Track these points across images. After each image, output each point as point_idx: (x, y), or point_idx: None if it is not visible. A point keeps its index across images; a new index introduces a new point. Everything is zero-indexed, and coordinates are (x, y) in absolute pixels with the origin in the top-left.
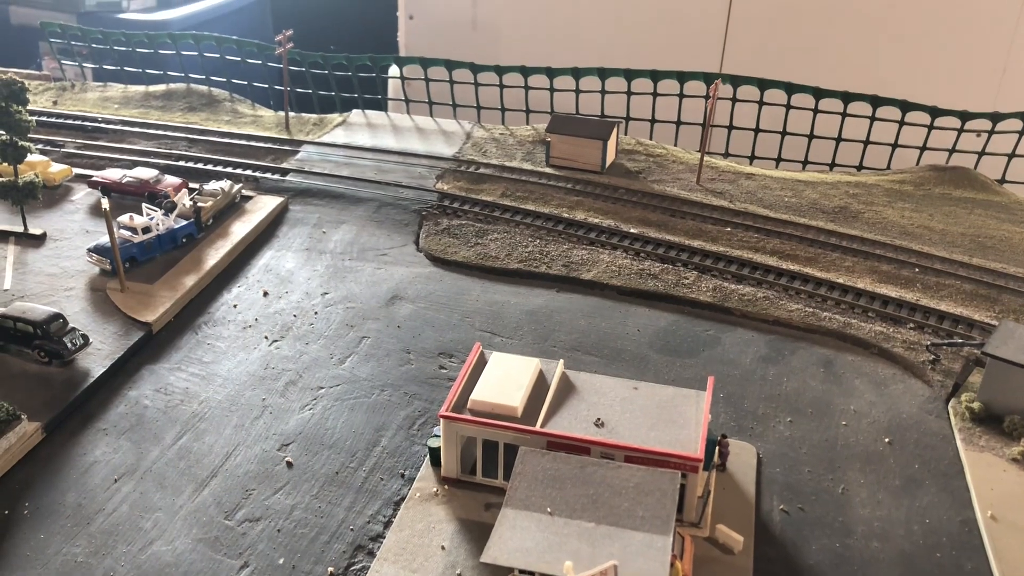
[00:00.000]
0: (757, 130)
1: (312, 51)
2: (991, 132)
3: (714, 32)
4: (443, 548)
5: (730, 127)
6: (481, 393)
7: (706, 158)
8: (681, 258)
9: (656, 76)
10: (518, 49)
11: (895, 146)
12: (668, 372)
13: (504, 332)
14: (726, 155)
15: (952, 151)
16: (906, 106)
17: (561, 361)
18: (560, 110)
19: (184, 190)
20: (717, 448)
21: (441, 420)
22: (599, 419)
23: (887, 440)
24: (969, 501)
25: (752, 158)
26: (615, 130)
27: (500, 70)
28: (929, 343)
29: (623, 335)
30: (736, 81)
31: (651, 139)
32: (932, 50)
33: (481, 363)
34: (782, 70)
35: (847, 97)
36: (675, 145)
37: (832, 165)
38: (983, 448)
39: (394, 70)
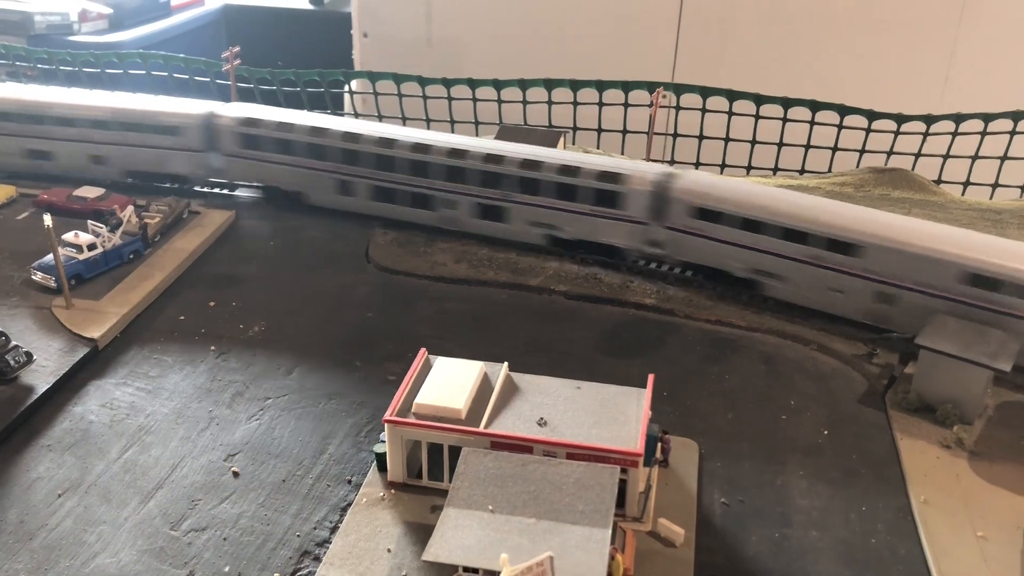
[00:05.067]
0: (701, 137)
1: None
2: (925, 134)
3: (665, 43)
4: (389, 551)
5: (675, 135)
6: (425, 397)
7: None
8: (626, 263)
9: (601, 86)
10: (474, 64)
11: (835, 149)
12: (614, 372)
13: (453, 338)
14: (672, 162)
15: (890, 153)
16: (844, 110)
17: (505, 364)
18: (509, 121)
19: (130, 207)
20: (659, 444)
21: (386, 425)
22: (542, 418)
23: (826, 432)
24: (904, 488)
25: (697, 164)
26: (561, 139)
27: (447, 83)
28: (867, 337)
29: (570, 338)
30: (679, 89)
31: (598, 148)
32: (877, 57)
33: (426, 368)
34: (726, 77)
35: (787, 103)
36: (622, 153)
37: (775, 170)
38: (917, 436)
39: (354, 84)
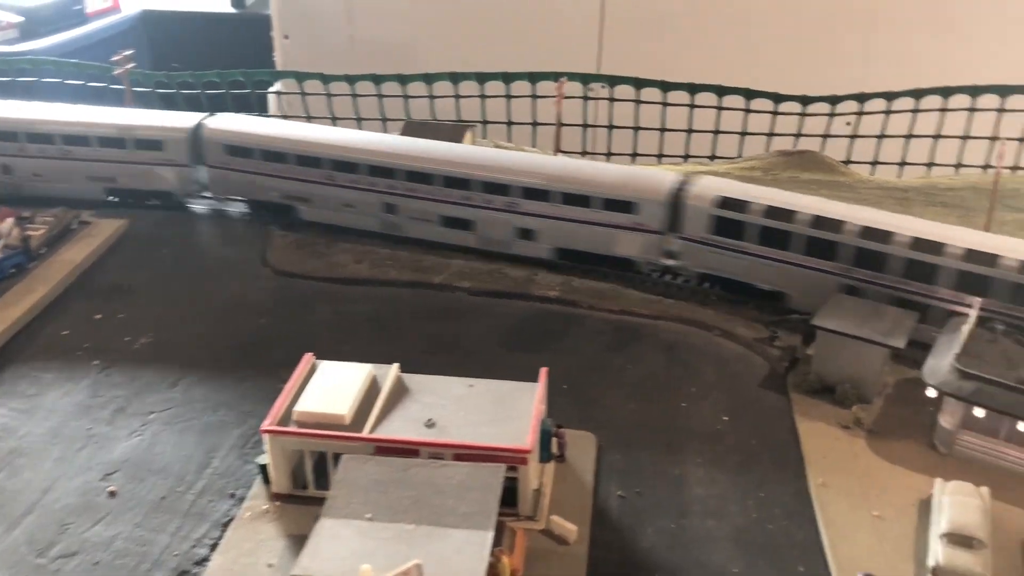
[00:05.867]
0: (611, 127)
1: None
2: (831, 115)
3: (588, 33)
4: (270, 566)
5: (584, 125)
6: (307, 403)
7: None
8: (531, 256)
9: (508, 78)
10: (398, 62)
11: (743, 134)
12: (516, 367)
13: (352, 341)
14: (583, 153)
15: (798, 135)
16: (750, 94)
17: (395, 365)
18: (418, 117)
19: (11, 219)
20: (555, 439)
21: (264, 435)
22: (430, 420)
23: (726, 419)
24: (803, 471)
25: (609, 155)
26: (469, 134)
27: (350, 79)
28: (768, 320)
29: (473, 335)
30: (585, 79)
31: (509, 141)
32: (784, 39)
33: (311, 374)
34: (644, 67)
35: (693, 88)
36: (533, 146)
37: (686, 157)
38: (817, 418)
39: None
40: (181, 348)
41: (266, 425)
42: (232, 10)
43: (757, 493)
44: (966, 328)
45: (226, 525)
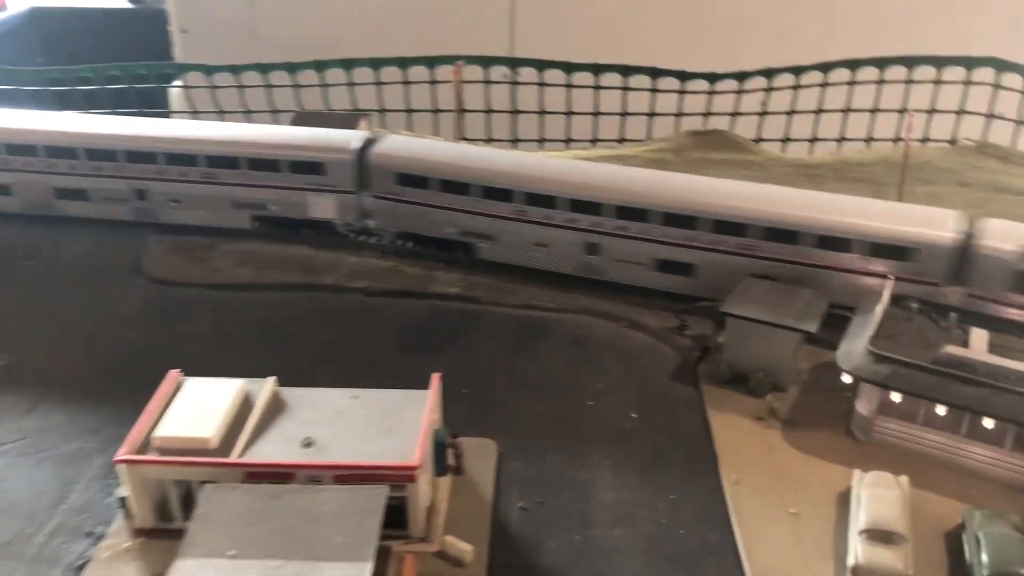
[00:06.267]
0: (515, 112)
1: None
2: (739, 92)
3: (500, 15)
4: None
5: (488, 111)
6: (168, 427)
7: (465, 144)
8: (430, 251)
9: (404, 63)
10: (301, 52)
11: (651, 115)
12: (412, 373)
13: (233, 353)
14: (488, 140)
15: (706, 115)
16: (656, 73)
17: (271, 379)
18: (311, 107)
19: None
20: (450, 450)
21: (120, 466)
22: (308, 438)
23: (635, 416)
24: (716, 469)
25: (515, 141)
26: (364, 123)
27: (235, 69)
28: (676, 308)
29: (367, 339)
30: (486, 62)
31: (410, 130)
32: (689, 15)
33: (176, 393)
34: (559, 49)
35: (597, 68)
36: (436, 134)
37: (594, 141)
38: (730, 410)
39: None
40: (40, 370)
41: (121, 455)
42: (128, 5)
43: (668, 496)
44: (880, 308)
45: (81, 569)
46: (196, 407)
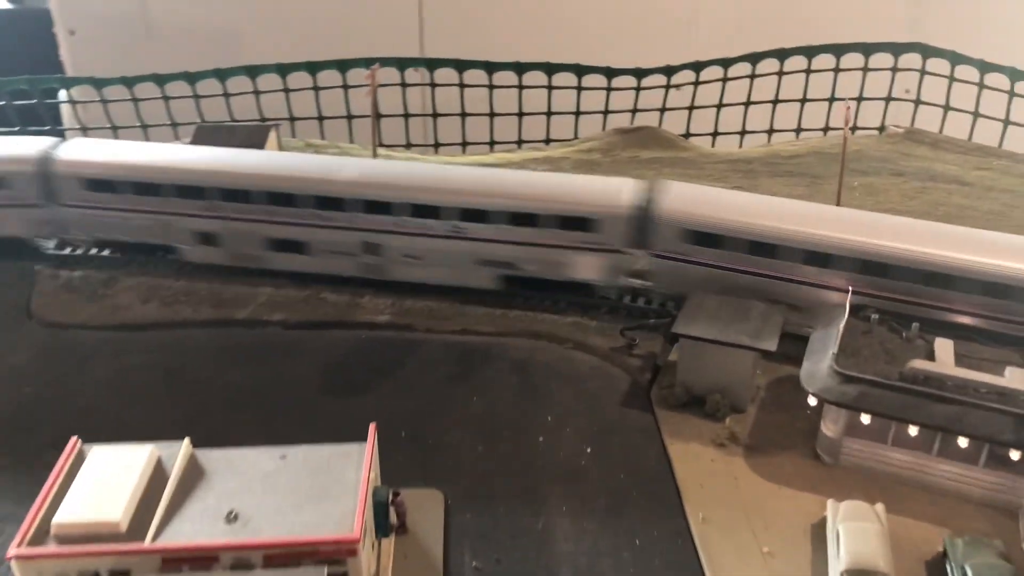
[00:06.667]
0: (435, 115)
1: None
2: (667, 87)
3: (408, 14)
4: None
5: (406, 116)
6: (69, 510)
7: (383, 152)
8: (354, 275)
9: (314, 68)
10: (201, 51)
11: (577, 113)
12: (342, 417)
13: (137, 404)
14: (408, 146)
15: (634, 111)
16: (581, 70)
17: (185, 441)
18: (214, 119)
19: None
20: (393, 508)
21: (12, 564)
22: (232, 511)
23: (589, 450)
24: (680, 506)
25: (436, 146)
26: (273, 134)
27: (128, 81)
28: (623, 327)
29: (288, 380)
30: (401, 64)
31: (323, 139)
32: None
33: (77, 465)
34: (472, 47)
35: (520, 67)
36: (351, 142)
37: (519, 142)
38: (689, 438)
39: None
40: None
41: (14, 549)
42: (6, 5)
43: (633, 542)
44: (841, 322)
45: None
46: (101, 482)
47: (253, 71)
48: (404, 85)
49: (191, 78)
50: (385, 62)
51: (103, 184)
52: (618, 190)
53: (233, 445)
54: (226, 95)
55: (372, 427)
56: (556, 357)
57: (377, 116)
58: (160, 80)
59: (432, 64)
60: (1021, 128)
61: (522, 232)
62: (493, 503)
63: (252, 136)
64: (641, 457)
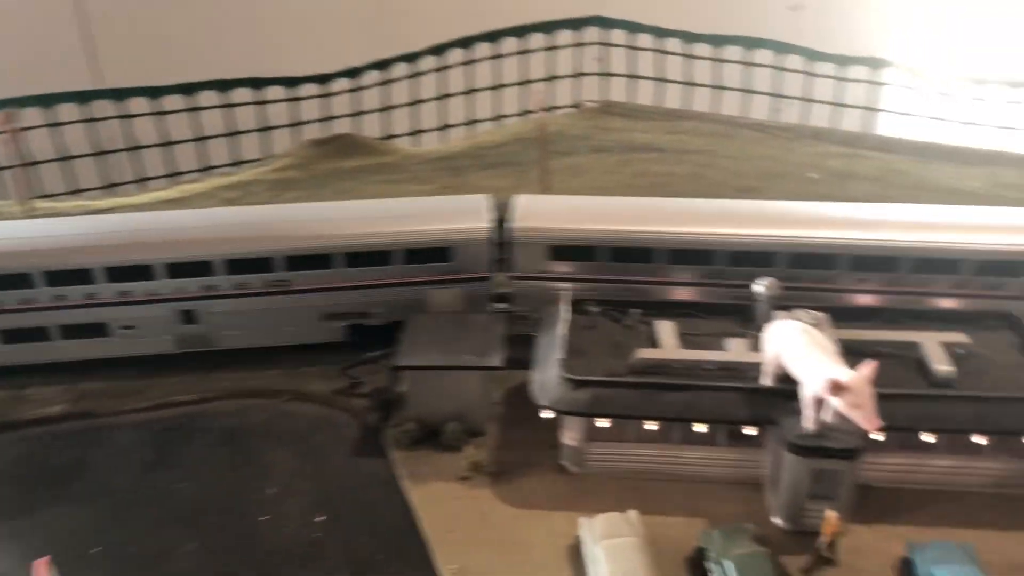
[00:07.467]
0: (99, 153)
1: None
2: (355, 90)
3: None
4: None
5: (64, 159)
6: None
7: (43, 204)
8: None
9: None
10: None
11: (263, 129)
12: (6, 551)
13: None
14: (75, 192)
15: (325, 120)
16: (259, 83)
17: None
18: None
19: None
20: None
21: None
22: None
23: (323, 518)
24: (430, 562)
25: (108, 187)
26: None
27: None
28: (344, 365)
29: None
30: (48, 101)
31: None
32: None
33: None
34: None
35: (189, 89)
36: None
37: (205, 169)
38: (429, 478)
39: None
40: None
41: None
42: None
43: None
44: (563, 322)
45: None
46: None
47: None
48: (55, 125)
49: None
50: (26, 102)
51: None
52: (476, 211)
53: None
54: None
55: (41, 564)
56: (270, 415)
57: (25, 164)
58: None
59: (84, 97)
60: (703, 88)
61: (370, 273)
62: None
63: None
64: (382, 512)
